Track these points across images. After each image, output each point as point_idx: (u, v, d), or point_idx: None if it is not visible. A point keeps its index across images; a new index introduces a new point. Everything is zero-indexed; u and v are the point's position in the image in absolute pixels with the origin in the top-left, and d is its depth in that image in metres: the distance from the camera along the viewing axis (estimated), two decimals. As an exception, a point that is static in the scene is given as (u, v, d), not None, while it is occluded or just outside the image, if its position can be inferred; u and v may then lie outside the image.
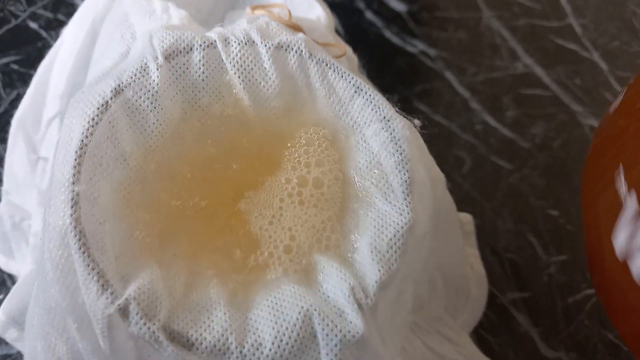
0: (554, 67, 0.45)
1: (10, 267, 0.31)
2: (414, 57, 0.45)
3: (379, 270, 0.19)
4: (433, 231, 0.22)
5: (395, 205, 0.20)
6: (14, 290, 0.28)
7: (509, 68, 0.46)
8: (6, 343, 0.30)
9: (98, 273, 0.18)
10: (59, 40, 0.31)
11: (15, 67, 0.41)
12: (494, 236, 0.37)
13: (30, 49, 0.41)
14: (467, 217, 0.29)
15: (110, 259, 0.18)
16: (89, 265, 0.18)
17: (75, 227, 0.18)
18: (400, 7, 0.47)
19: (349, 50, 0.29)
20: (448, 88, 0.45)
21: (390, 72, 0.44)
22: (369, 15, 0.46)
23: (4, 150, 0.32)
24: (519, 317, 0.35)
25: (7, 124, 0.32)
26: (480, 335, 0.32)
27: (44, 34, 0.43)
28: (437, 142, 0.24)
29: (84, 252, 0.18)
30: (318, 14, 0.28)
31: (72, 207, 0.18)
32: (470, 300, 0.27)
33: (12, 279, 0.33)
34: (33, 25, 0.43)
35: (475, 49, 0.45)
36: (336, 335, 0.18)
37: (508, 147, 0.42)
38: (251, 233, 0.21)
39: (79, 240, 0.18)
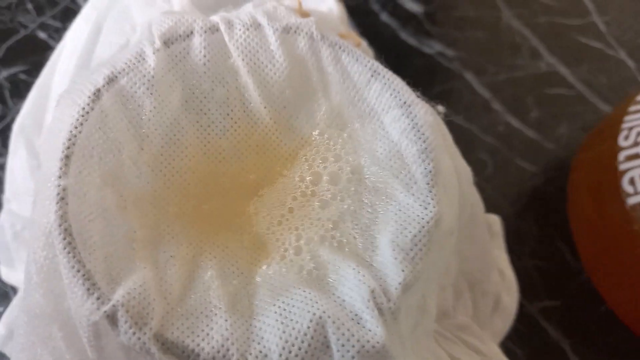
0: (578, 66, 0.44)
1: (11, 279, 0.30)
2: (431, 58, 0.44)
3: (403, 271, 0.17)
4: (459, 235, 0.20)
5: (418, 198, 0.18)
6: (14, 302, 0.27)
7: (531, 67, 0.45)
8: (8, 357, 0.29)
9: (84, 275, 0.16)
10: (62, 42, 0.30)
11: (23, 77, 0.41)
12: (520, 242, 0.35)
13: (39, 58, 0.41)
14: (493, 218, 0.27)
15: (99, 259, 0.16)
16: (74, 267, 0.16)
17: (60, 225, 0.16)
18: (416, 8, 0.45)
19: (363, 43, 0.27)
20: (467, 89, 0.43)
21: (407, 73, 0.42)
22: (384, 17, 0.45)
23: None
24: (548, 328, 0.33)
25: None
26: (508, 348, 0.30)
27: (52, 43, 0.42)
28: (457, 144, 0.22)
29: (69, 252, 0.16)
30: (330, 6, 0.26)
31: (57, 202, 0.16)
32: (499, 307, 0.24)
33: (15, 290, 0.32)
34: (42, 35, 0.42)
35: (494, 49, 0.44)
36: (353, 346, 0.16)
37: (532, 148, 0.40)
38: (258, 234, 0.19)
39: (64, 239, 0.16)
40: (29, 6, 0.43)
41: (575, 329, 0.32)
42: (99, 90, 0.18)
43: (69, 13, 0.43)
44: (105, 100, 0.18)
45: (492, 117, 0.41)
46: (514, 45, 0.44)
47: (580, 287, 0.33)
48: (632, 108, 0.31)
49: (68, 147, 0.17)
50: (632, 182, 0.27)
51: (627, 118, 0.30)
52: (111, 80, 0.18)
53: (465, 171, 0.21)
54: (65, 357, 0.16)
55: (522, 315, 0.31)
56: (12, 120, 0.38)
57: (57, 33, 0.42)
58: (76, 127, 0.17)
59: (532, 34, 0.45)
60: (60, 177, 0.17)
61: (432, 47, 0.44)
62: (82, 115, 0.17)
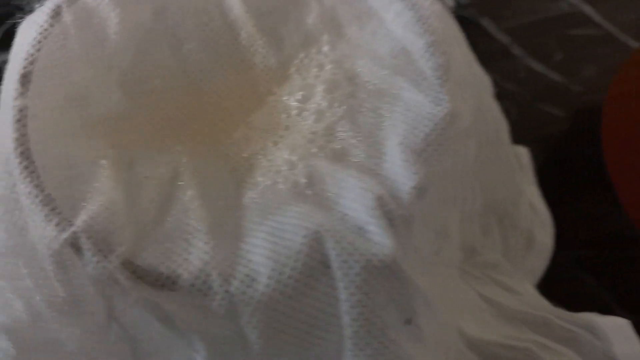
0: (603, 3, 0.41)
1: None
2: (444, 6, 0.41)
3: (415, 173, 0.14)
4: (480, 151, 0.17)
5: (429, 95, 0.15)
6: None
7: (552, 9, 0.42)
8: None
9: (42, 200, 0.14)
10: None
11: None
12: (552, 189, 0.33)
13: (35, 39, 0.40)
14: (522, 150, 0.25)
15: (63, 183, 0.14)
16: (31, 192, 0.14)
17: (16, 148, 0.14)
18: (424, -43, 0.43)
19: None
20: (484, 36, 0.41)
21: (418, 23, 0.40)
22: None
23: None
24: (584, 278, 0.30)
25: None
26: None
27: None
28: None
29: (26, 177, 0.14)
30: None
31: (14, 124, 0.15)
32: (533, 244, 0.22)
33: None
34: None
35: (511, -7, 0.41)
36: (357, 261, 0.13)
37: (558, 92, 0.38)
38: (248, 157, 0.17)
39: (20, 162, 0.14)
40: (24, -12, 0.42)
41: (615, 276, 0.29)
42: (59, 6, 0.16)
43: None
44: (67, 17, 0.16)
45: (513, 63, 0.39)
46: (532, -13, 0.42)
47: (618, 232, 0.31)
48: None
49: (25, 67, 0.15)
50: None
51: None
52: (72, -1, 0.16)
53: (484, 79, 0.18)
54: (36, 298, 0.14)
55: (557, 264, 0.29)
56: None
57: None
58: (34, 46, 0.15)
59: (550, -26, 0.42)
60: (16, 98, 0.15)
61: (444, -5, 0.41)
62: (41, 33, 0.16)
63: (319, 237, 0.13)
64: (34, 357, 0.15)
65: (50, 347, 0.15)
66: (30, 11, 0.45)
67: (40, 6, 0.17)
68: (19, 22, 0.43)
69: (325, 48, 0.17)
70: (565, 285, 0.30)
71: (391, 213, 0.13)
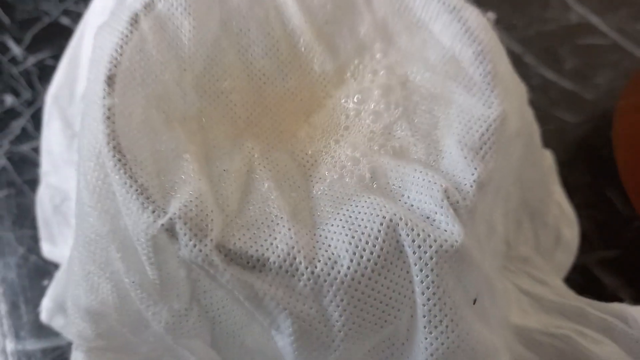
0: (610, 15, 0.42)
1: (54, 255, 0.29)
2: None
3: (476, 168, 0.16)
4: (523, 151, 0.19)
5: (481, 98, 0.17)
6: (59, 275, 0.26)
7: (562, 19, 0.43)
8: (55, 334, 0.29)
9: (137, 190, 0.15)
10: (88, 10, 0.30)
11: (50, 62, 0.41)
12: (569, 193, 0.34)
13: (64, 43, 0.41)
14: (546, 152, 0.26)
15: (151, 174, 0.15)
16: (126, 183, 0.15)
17: (108, 143, 0.15)
18: (437, -31, 0.44)
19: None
20: (497, 44, 0.42)
21: (434, 33, 0.42)
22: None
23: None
24: (605, 279, 0.31)
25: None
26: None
27: (76, 28, 0.42)
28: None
29: (119, 169, 0.15)
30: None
31: (104, 122, 0.16)
32: (561, 241, 0.23)
33: (57, 267, 0.31)
34: (66, 21, 0.43)
35: (521, 3, 0.43)
36: (430, 246, 0.14)
37: (571, 99, 0.39)
38: (313, 154, 0.18)
39: (114, 156, 0.15)
40: (51, -6, 0.43)
41: (633, 277, 0.30)
42: (137, 15, 0.17)
43: (90, -2, 0.43)
44: (144, 25, 0.17)
45: (526, 71, 0.40)
46: (542, -1, 0.43)
47: (635, 235, 0.32)
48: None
49: (110, 70, 0.16)
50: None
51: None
52: (148, 5, 0.18)
53: (520, 87, 0.19)
54: (125, 281, 0.16)
55: (578, 266, 0.30)
56: (43, 104, 0.38)
57: (80, 18, 0.42)
58: (117, 51, 0.17)
59: (559, -13, 0.44)
60: (104, 97, 0.16)
61: (458, 6, 0.43)
62: (122, 39, 0.17)
63: (394, 225, 0.15)
64: (113, 339, 0.17)
65: (134, 328, 0.16)
66: (57, 16, 0.46)
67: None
68: (46, 27, 0.44)
69: (378, 55, 0.19)
70: (587, 285, 0.30)
71: (457, 204, 0.15)
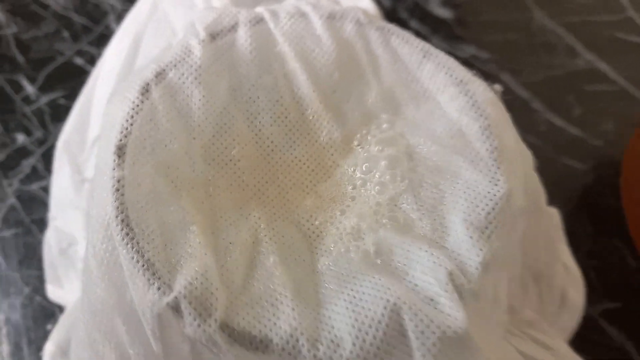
0: (619, 61, 0.43)
1: (58, 297, 0.30)
2: (466, 62, 0.43)
3: (481, 249, 0.16)
4: (526, 222, 0.19)
5: (487, 175, 0.17)
6: (63, 319, 0.26)
7: (569, 65, 0.44)
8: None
9: (143, 265, 0.15)
10: (100, 60, 0.30)
11: (62, 102, 0.41)
12: (574, 242, 0.34)
13: (77, 84, 0.41)
14: (551, 210, 0.26)
15: (158, 247, 0.16)
16: (133, 258, 0.15)
17: (117, 216, 0.16)
18: (445, 14, 0.45)
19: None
20: (505, 90, 0.42)
21: (442, 77, 0.42)
22: (414, 24, 0.45)
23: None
24: (610, 330, 0.31)
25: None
26: (570, 353, 0.29)
27: (89, 69, 0.43)
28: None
29: (127, 243, 0.15)
30: (366, 6, 0.26)
31: (113, 194, 0.16)
32: (566, 303, 0.23)
33: (62, 309, 0.31)
34: (79, 61, 0.43)
35: (529, 49, 0.43)
36: (433, 332, 0.14)
37: (578, 146, 0.39)
38: (318, 225, 0.18)
39: (122, 230, 0.16)
40: (65, 34, 0.44)
41: (639, 330, 0.30)
42: (148, 84, 0.18)
43: (104, 39, 0.44)
44: (155, 94, 0.18)
45: (533, 117, 0.40)
46: (549, 45, 0.43)
47: (642, 284, 0.31)
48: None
49: (121, 140, 0.17)
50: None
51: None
52: (159, 74, 0.18)
53: (526, 154, 0.20)
54: (129, 352, 0.16)
55: (583, 318, 0.30)
56: (54, 143, 0.39)
57: (94, 59, 0.43)
58: (127, 121, 0.17)
59: (566, 33, 0.44)
60: (114, 169, 0.16)
61: (465, 51, 0.43)
62: (133, 109, 0.17)
63: (397, 309, 0.15)
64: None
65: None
66: (71, 56, 0.47)
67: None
68: (60, 67, 0.45)
69: (385, 125, 0.19)
70: (591, 336, 0.30)
71: (461, 287, 0.15)
